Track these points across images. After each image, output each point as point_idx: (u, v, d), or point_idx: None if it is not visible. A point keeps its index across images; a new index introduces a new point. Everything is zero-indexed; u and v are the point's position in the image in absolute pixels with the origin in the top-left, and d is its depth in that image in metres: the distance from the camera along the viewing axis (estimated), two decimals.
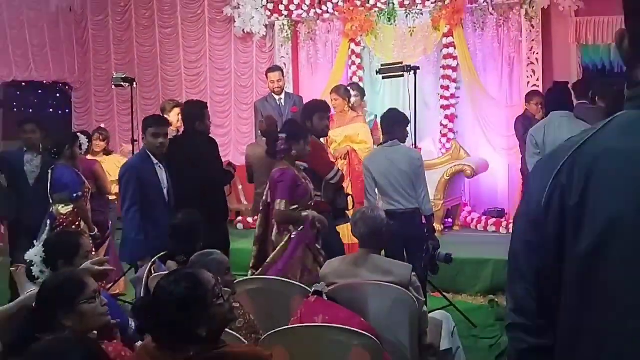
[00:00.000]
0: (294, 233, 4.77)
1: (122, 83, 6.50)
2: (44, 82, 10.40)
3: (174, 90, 9.88)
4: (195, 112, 5.74)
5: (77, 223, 5.53)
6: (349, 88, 7.50)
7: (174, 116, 6.85)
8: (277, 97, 7.79)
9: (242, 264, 6.73)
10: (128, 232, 5.17)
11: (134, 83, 6.53)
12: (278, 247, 4.76)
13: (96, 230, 5.72)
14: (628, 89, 1.26)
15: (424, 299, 3.85)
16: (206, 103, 6.16)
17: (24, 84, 10.31)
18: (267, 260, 4.71)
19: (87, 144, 6.52)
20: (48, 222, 5.53)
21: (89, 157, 6.80)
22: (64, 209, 5.53)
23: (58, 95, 11.12)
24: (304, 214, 4.81)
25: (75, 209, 5.56)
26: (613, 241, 1.14)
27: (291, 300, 3.78)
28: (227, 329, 3.02)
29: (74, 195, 5.53)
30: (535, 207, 1.27)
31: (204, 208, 4.78)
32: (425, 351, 3.82)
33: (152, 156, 5.16)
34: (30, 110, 11.07)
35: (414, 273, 3.78)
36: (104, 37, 10.38)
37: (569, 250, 1.21)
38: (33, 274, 3.29)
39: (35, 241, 4.30)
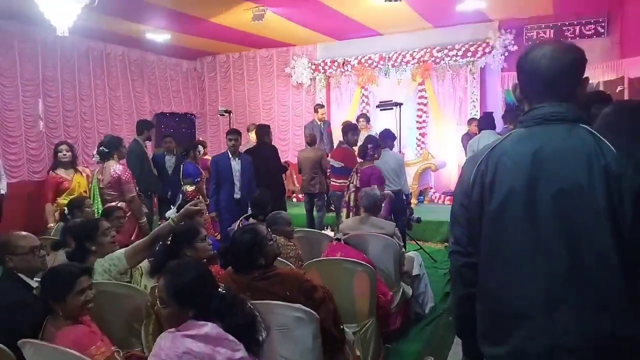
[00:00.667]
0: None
1: (224, 113, 6.57)
2: (179, 113, 10.54)
3: (256, 118, 9.92)
4: (264, 130, 5.83)
5: (197, 196, 5.62)
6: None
7: (254, 134, 6.89)
8: (319, 123, 7.80)
9: (294, 223, 6.79)
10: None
11: (231, 113, 6.59)
12: None
13: (208, 200, 5.82)
14: (521, 116, 1.37)
15: (403, 244, 3.85)
16: (269, 125, 6.22)
17: (167, 114, 10.46)
18: None
19: (203, 150, 6.61)
20: (180, 195, 5.65)
21: (205, 157, 6.88)
22: (189, 188, 5.62)
23: (188, 121, 11.27)
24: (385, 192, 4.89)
25: (196, 188, 5.66)
26: (509, 204, 1.26)
27: (322, 244, 3.81)
28: (282, 259, 3.07)
29: (196, 180, 5.64)
30: (466, 184, 1.38)
31: (270, 188, 4.84)
32: (403, 275, 3.83)
33: (229, 153, 5.25)
34: (171, 130, 11.27)
35: (396, 228, 3.78)
36: (214, 85, 10.47)
37: (485, 209, 1.32)
38: None
39: (171, 206, 4.42)
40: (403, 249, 3.80)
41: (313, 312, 2.28)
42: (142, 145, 5.90)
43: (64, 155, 4.72)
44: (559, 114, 1.26)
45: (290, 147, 9.90)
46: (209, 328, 1.60)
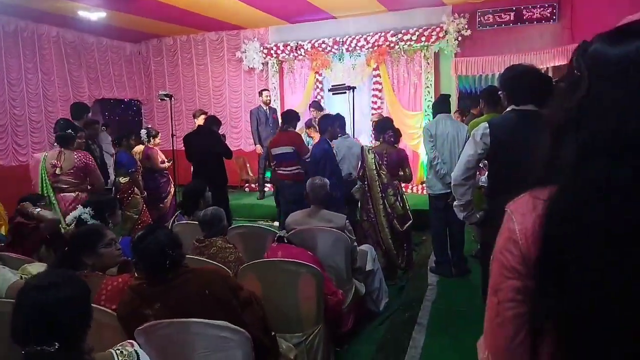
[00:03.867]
0: None
1: (165, 98, 5.87)
2: (124, 99, 9.75)
3: (205, 104, 9.26)
4: (215, 121, 5.31)
5: (132, 188, 5.00)
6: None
7: (201, 120, 6.24)
8: (264, 108, 7.23)
9: (243, 213, 6.32)
10: None
11: (172, 98, 5.91)
12: None
13: (145, 193, 5.17)
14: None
15: (355, 237, 3.43)
16: (220, 120, 5.65)
17: (112, 100, 9.65)
18: None
19: (151, 139, 5.79)
20: (113, 188, 5.00)
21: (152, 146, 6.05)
22: (123, 180, 4.97)
23: (134, 108, 10.48)
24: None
25: (131, 179, 4.99)
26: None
27: (267, 240, 3.35)
28: (219, 263, 2.59)
29: (130, 170, 4.99)
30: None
31: (209, 176, 4.38)
32: (355, 271, 3.44)
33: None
34: (117, 118, 10.44)
35: (347, 221, 3.37)
36: (161, 70, 9.67)
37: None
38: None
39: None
40: (355, 243, 3.38)
41: (242, 330, 1.83)
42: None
43: None
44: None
45: (242, 134, 9.32)
46: None
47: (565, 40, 7.21)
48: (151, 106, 9.88)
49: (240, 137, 9.31)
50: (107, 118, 10.17)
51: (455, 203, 2.52)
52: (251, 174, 8.67)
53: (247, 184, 8.54)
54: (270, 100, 7.30)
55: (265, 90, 7.41)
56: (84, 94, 8.34)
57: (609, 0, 5.41)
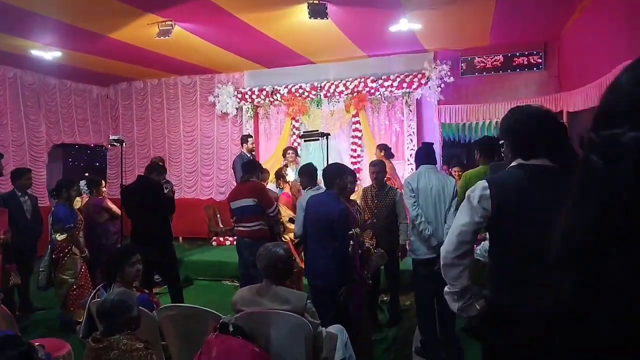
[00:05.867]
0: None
1: (115, 143, 5.22)
2: (90, 145, 9.06)
3: (176, 150, 8.66)
4: (155, 167, 4.54)
5: (69, 247, 4.21)
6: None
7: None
8: (248, 155, 6.59)
9: (208, 271, 5.58)
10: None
11: (124, 143, 5.26)
12: None
13: (86, 252, 4.36)
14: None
15: (319, 321, 2.68)
16: (165, 167, 4.92)
17: (76, 146, 8.98)
18: None
19: (92, 190, 5.07)
20: (49, 247, 4.23)
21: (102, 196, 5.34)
22: (60, 237, 4.20)
23: (102, 154, 9.79)
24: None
25: (69, 237, 4.20)
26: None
27: (207, 325, 2.58)
28: None
29: (66, 226, 4.21)
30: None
31: (152, 231, 3.63)
32: None
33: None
34: (82, 164, 9.73)
35: (309, 300, 2.63)
36: (129, 115, 9.02)
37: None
38: None
39: None
40: (319, 328, 2.63)
41: None
42: None
43: None
44: None
45: (214, 182, 8.64)
46: None
47: (552, 89, 6.84)
48: (117, 152, 9.16)
49: (211, 186, 8.62)
50: (70, 165, 9.47)
51: (446, 289, 1.83)
52: (222, 226, 7.92)
53: (215, 237, 7.75)
54: (254, 148, 6.69)
55: (249, 137, 6.82)
56: (41, 139, 7.65)
57: (593, 48, 5.05)
